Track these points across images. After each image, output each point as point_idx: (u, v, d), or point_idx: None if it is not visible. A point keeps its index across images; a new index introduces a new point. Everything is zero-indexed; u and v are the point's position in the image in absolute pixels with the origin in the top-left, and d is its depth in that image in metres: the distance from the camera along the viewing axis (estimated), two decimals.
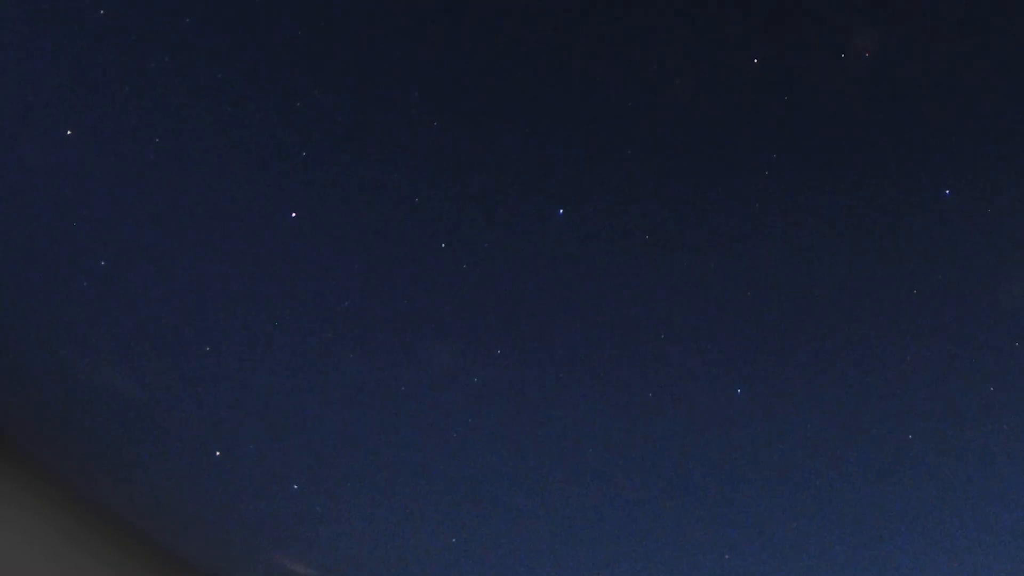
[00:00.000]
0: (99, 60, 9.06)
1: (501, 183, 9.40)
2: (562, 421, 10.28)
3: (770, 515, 10.30)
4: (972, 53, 8.40)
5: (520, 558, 11.23)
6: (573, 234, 9.43)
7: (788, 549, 10.43)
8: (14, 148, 9.35)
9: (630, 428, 10.17)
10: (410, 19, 9.11)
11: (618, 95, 9.05)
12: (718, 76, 8.91)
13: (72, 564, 12.24)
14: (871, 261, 9.17)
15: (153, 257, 9.78)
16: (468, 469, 10.68)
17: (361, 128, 9.35)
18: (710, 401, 9.91)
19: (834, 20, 8.54)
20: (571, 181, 9.34)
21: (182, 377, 10.68)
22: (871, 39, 8.46)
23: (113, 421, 11.35)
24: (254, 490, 11.71)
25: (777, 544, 10.42)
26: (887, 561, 10.36)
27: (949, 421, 9.65)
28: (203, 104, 9.27)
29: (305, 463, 11.29)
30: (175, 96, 9.21)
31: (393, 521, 11.57)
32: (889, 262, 9.15)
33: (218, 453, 11.09)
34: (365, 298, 9.83)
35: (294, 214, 9.47)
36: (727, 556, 10.45)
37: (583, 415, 10.21)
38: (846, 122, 8.72)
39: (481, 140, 9.33)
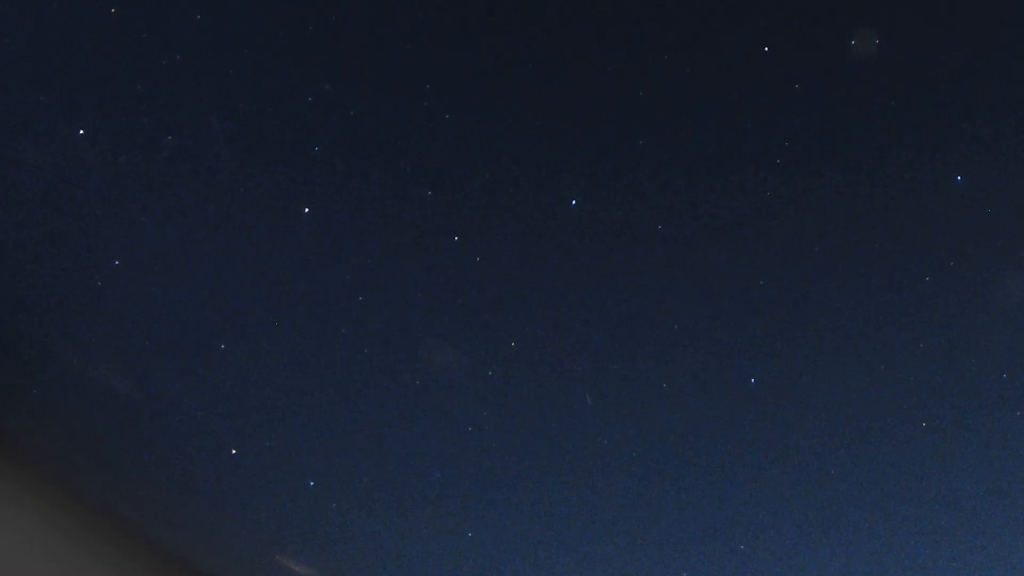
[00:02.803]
0: (110, 59, 9.03)
1: (513, 175, 9.43)
2: (576, 413, 10.32)
3: (785, 506, 10.36)
4: (978, 42, 8.51)
5: (530, 555, 11.23)
6: (585, 225, 9.47)
7: (804, 539, 10.50)
8: (25, 147, 9.28)
9: (644, 419, 10.22)
10: (421, 13, 9.13)
11: (629, 86, 9.11)
12: (728, 66, 8.98)
13: (72, 564, 12.15)
14: (883, 249, 9.26)
15: (164, 255, 9.73)
16: (480, 466, 10.69)
17: (373, 122, 9.36)
18: (723, 392, 9.98)
19: (843, 6, 8.63)
20: (583, 173, 9.38)
21: (190, 376, 10.64)
22: (879, 26, 8.54)
23: (114, 420, 11.28)
24: (255, 490, 11.66)
25: (793, 534, 10.50)
26: (903, 551, 10.47)
27: (964, 409, 9.77)
28: (214, 101, 9.25)
29: (307, 463, 11.25)
30: (187, 94, 9.19)
31: (394, 521, 11.55)
32: (901, 249, 9.24)
33: (234, 451, 11.04)
34: (378, 292, 9.82)
35: (307, 209, 9.46)
36: (742, 547, 10.53)
37: (596, 407, 10.25)
38: (857, 109, 8.81)
39: (492, 132, 9.35)
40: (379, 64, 9.21)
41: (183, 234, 9.64)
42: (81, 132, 9.18)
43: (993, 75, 8.52)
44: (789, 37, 8.75)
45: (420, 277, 9.77)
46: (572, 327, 9.92)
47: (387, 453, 10.99)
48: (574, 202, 9.41)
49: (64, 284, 10.10)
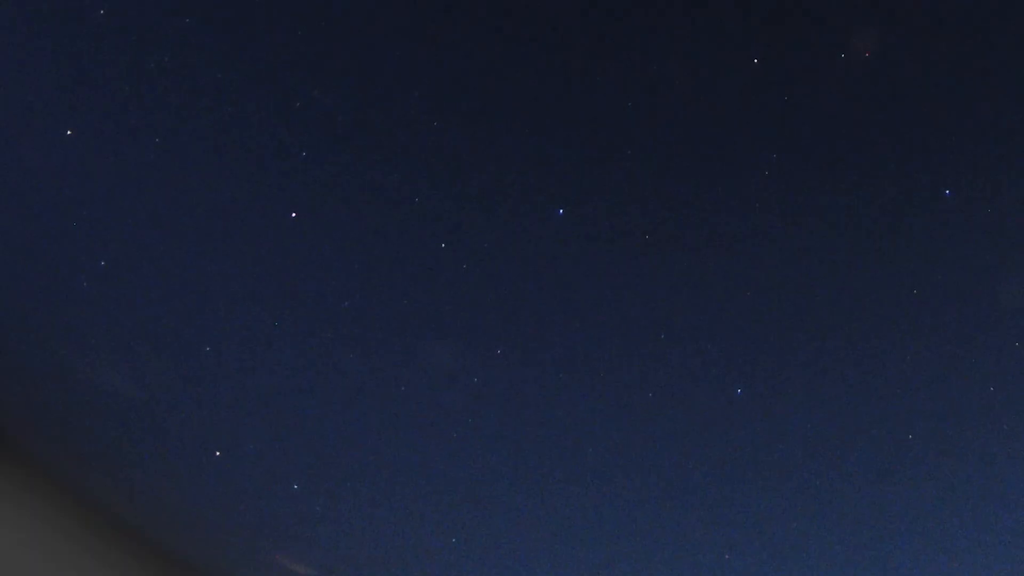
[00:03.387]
0: (99, 60, 9.06)
1: (501, 183, 9.42)
2: (562, 421, 10.31)
3: (770, 515, 10.33)
4: (972, 52, 8.42)
5: (520, 558, 11.24)
6: (573, 234, 9.45)
7: (788, 549, 10.46)
8: (14, 148, 9.35)
9: (630, 428, 10.20)
10: (410, 19, 9.11)
11: (618, 95, 9.06)
12: (718, 76, 8.92)
13: (72, 564, 12.23)
14: (871, 261, 9.19)
15: (153, 257, 9.79)
16: (468, 469, 10.71)
17: (361, 128, 9.35)
18: (710, 401, 9.93)
19: (834, 19, 8.56)
20: (571, 181, 9.35)
21: (182, 377, 10.69)
22: (871, 38, 8.47)
23: (113, 421, 11.35)
24: (255, 490, 11.71)
25: (777, 544, 10.45)
26: (887, 561, 10.39)
27: (949, 421, 9.68)
28: (203, 104, 9.27)
29: (306, 463, 11.29)
30: (175, 96, 9.21)
31: (393, 521, 11.57)
32: (889, 262, 9.17)
33: (218, 453, 11.10)
34: (365, 298, 9.84)
35: (294, 214, 9.48)
36: (727, 556, 10.48)
37: (583, 415, 10.24)
38: (846, 121, 8.74)
39: (481, 140, 9.34)
40: (368, 70, 9.21)
41: (170, 237, 9.70)
42: (69, 133, 9.23)
43: (981, 92, 8.44)
44: (780, 48, 8.69)
45: (407, 282, 9.79)
46: (558, 335, 9.93)
47: (384, 455, 11.05)
48: (561, 211, 9.39)
49: (61, 285, 10.18)
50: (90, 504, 12.32)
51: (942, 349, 9.37)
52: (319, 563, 12.40)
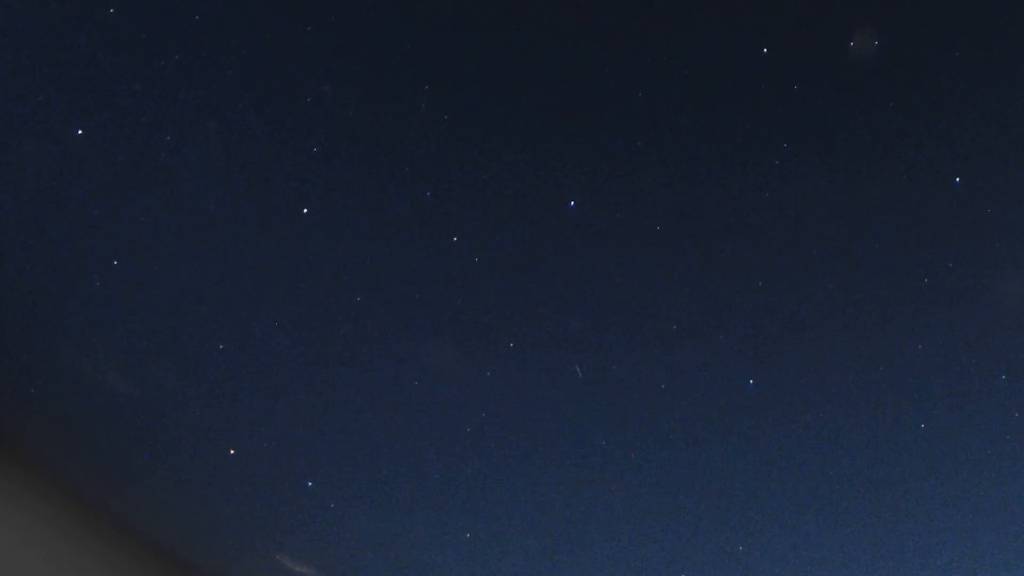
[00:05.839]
0: (109, 59, 9.02)
1: (512, 177, 9.42)
2: (574, 414, 10.32)
3: (784, 508, 10.36)
4: (983, 38, 8.49)
5: (529, 554, 11.22)
6: (584, 227, 9.47)
7: (803, 541, 10.50)
8: (24, 147, 9.29)
9: (642, 421, 10.22)
10: (420, 13, 9.13)
11: (628, 86, 9.10)
12: (727, 67, 8.98)
13: (72, 564, 12.15)
14: (882, 250, 9.25)
15: (164, 255, 9.73)
16: (479, 465, 10.69)
17: (371, 123, 9.35)
18: (723, 393, 9.96)
19: (842, 8, 8.63)
20: (582, 174, 9.37)
21: (189, 376, 10.63)
22: (879, 27, 8.54)
23: (114, 421, 11.27)
24: (256, 491, 11.66)
25: (791, 537, 10.49)
26: (904, 552, 10.44)
27: (963, 410, 9.75)
28: (213, 102, 9.25)
29: (311, 462, 11.25)
30: (185, 94, 9.19)
31: (394, 521, 11.54)
32: (900, 251, 9.23)
33: (232, 451, 11.04)
34: (377, 292, 9.82)
35: (306, 210, 9.46)
36: (740, 548, 10.52)
37: (595, 408, 10.24)
38: (857, 110, 8.80)
39: (491, 134, 9.35)
40: (378, 64, 9.21)
41: (182, 234, 9.66)
42: (80, 132, 9.18)
43: (992, 77, 8.51)
44: (788, 38, 8.75)
45: (418, 278, 9.78)
46: (570, 328, 9.93)
47: (386, 453, 11.01)
48: (573, 203, 9.42)
49: (64, 284, 10.11)
50: (90, 504, 12.24)
51: (954, 337, 9.46)
52: (319, 563, 12.36)
